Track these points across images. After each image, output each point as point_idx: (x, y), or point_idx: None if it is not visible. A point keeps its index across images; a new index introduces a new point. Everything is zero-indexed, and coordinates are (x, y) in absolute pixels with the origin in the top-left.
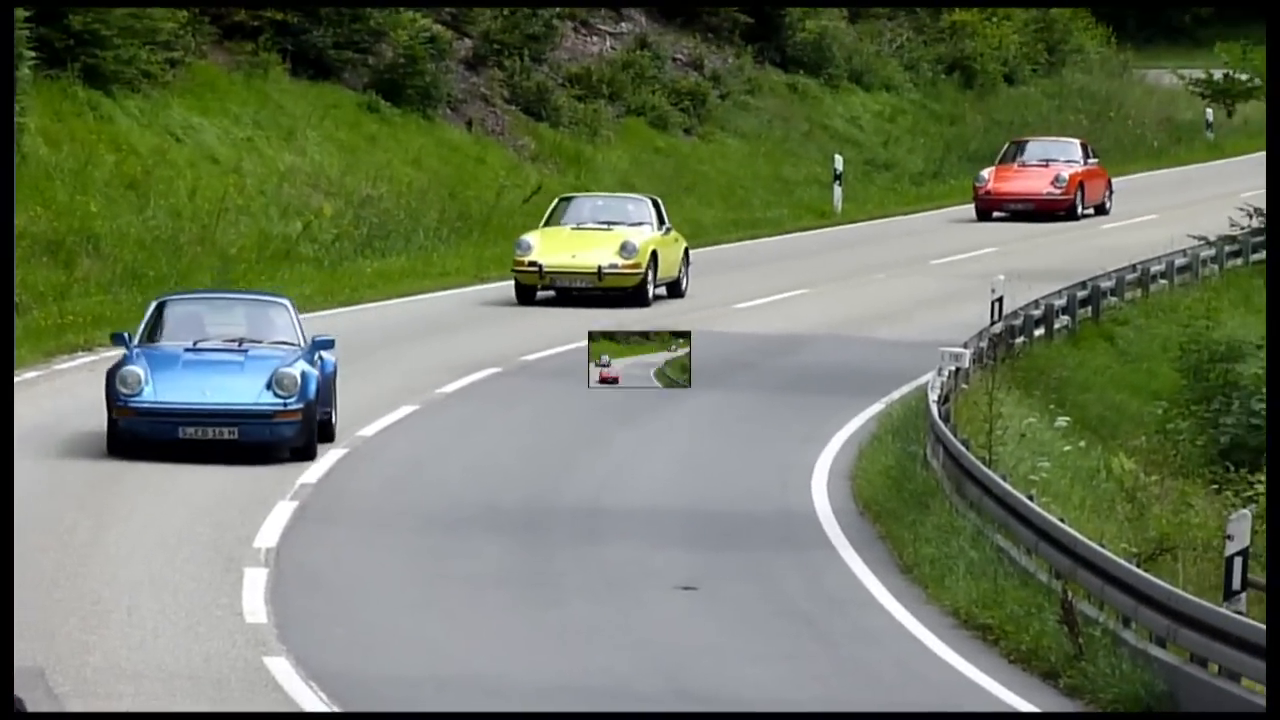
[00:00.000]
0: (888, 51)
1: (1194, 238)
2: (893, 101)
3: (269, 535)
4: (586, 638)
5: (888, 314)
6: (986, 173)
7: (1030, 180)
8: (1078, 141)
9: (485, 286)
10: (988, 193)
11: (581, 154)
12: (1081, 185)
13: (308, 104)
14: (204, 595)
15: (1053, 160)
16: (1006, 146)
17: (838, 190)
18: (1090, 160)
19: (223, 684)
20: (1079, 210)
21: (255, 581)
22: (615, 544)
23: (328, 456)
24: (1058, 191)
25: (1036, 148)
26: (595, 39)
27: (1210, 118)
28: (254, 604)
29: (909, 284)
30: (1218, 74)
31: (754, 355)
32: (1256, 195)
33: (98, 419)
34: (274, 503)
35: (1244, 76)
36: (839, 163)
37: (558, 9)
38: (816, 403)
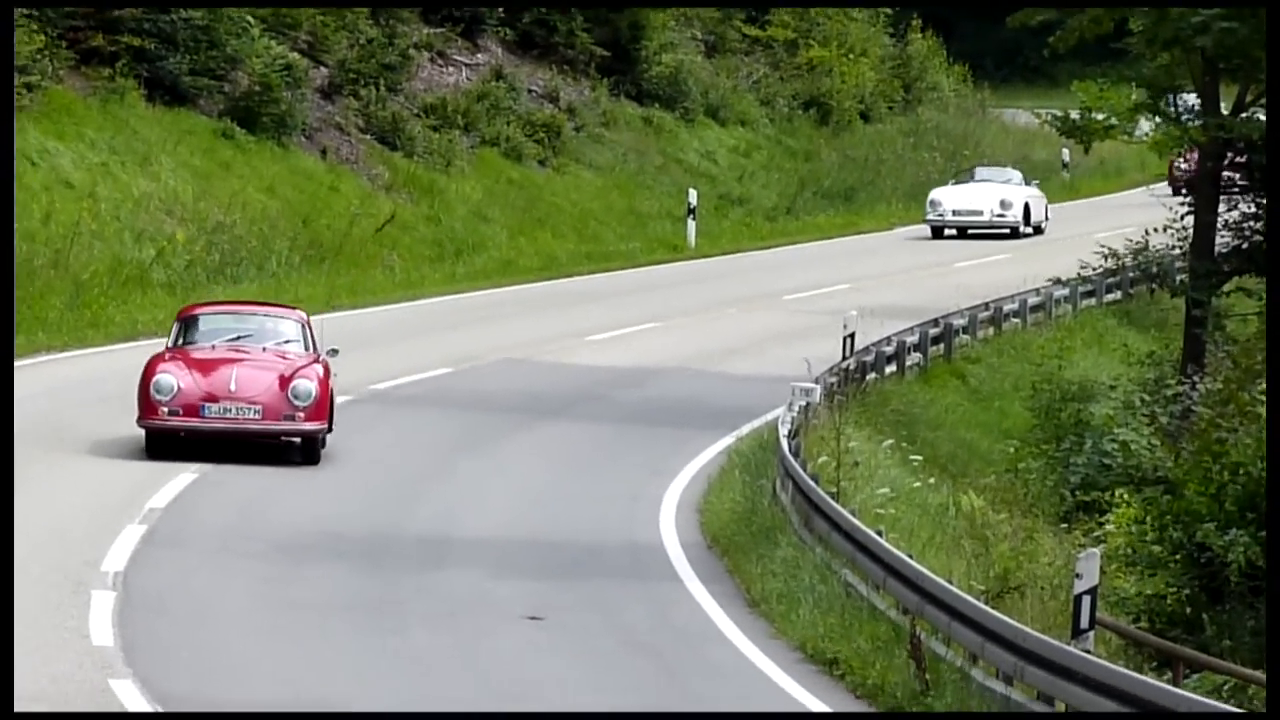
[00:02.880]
0: (744, 87)
1: (1050, 281)
2: (748, 137)
3: (117, 559)
4: (429, 665)
5: (739, 349)
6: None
7: None
8: None
9: (336, 315)
10: None
11: (435, 184)
12: None
13: (163, 130)
14: (51, 617)
15: None
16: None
17: (691, 225)
18: None
19: (69, 705)
20: None
21: (103, 605)
22: (460, 573)
23: (176, 481)
24: None
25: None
26: (451, 69)
27: (1067, 158)
28: (101, 627)
29: (761, 319)
30: (1074, 113)
31: (603, 388)
32: (1111, 235)
33: None
34: (122, 526)
35: (1100, 116)
36: (693, 197)
37: (414, 42)
38: (665, 435)
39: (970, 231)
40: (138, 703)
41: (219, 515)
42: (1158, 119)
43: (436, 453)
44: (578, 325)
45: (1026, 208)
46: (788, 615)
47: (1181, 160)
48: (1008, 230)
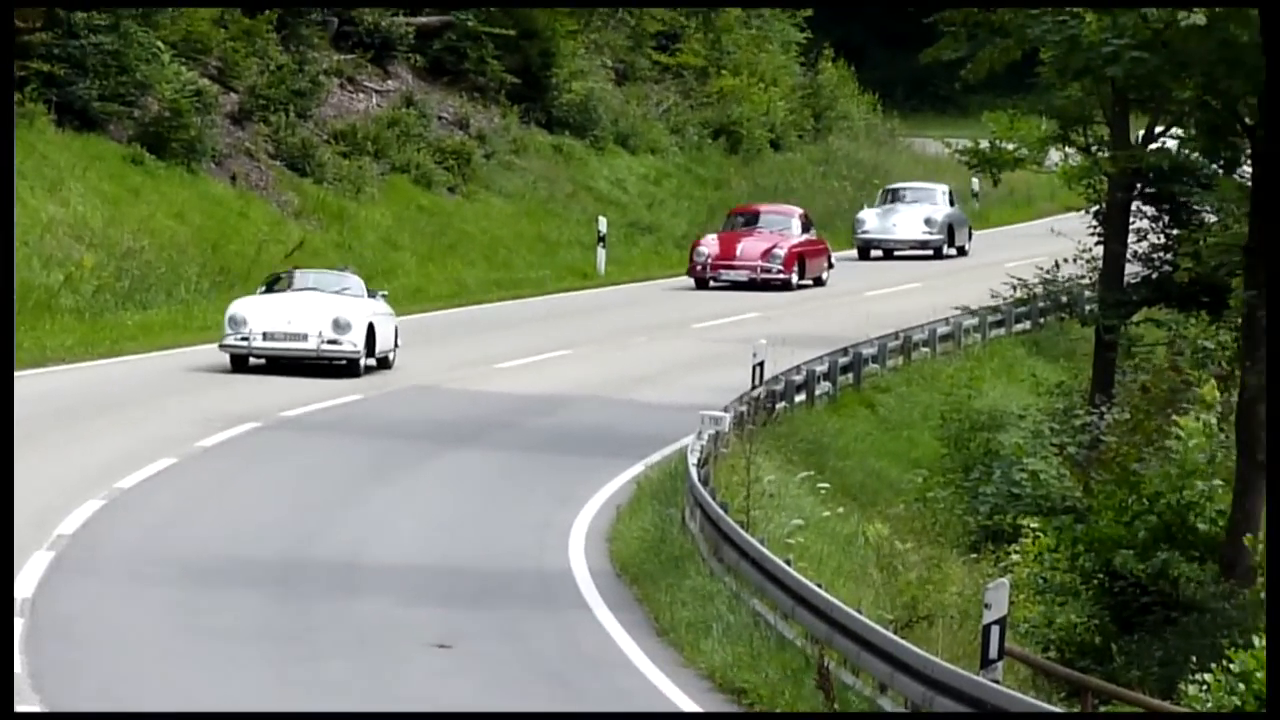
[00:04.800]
0: (654, 115)
1: (957, 309)
2: (658, 165)
3: (25, 585)
4: (339, 693)
5: (649, 376)
6: None
7: None
8: None
9: None
10: None
11: (345, 211)
12: None
13: (72, 155)
14: None
15: None
16: None
17: (601, 252)
18: None
19: None
20: None
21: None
22: (370, 600)
23: (85, 507)
24: None
25: None
26: (361, 96)
27: (976, 188)
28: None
29: (670, 347)
30: (984, 143)
31: (514, 415)
32: (1020, 265)
33: None
34: (30, 552)
35: (1011, 146)
36: (602, 224)
37: (324, 68)
38: (575, 463)
39: (284, 363)
40: None
41: (128, 541)
42: (1067, 149)
43: (347, 480)
44: (487, 352)
45: (370, 332)
46: (696, 644)
47: (702, 245)
48: (344, 363)
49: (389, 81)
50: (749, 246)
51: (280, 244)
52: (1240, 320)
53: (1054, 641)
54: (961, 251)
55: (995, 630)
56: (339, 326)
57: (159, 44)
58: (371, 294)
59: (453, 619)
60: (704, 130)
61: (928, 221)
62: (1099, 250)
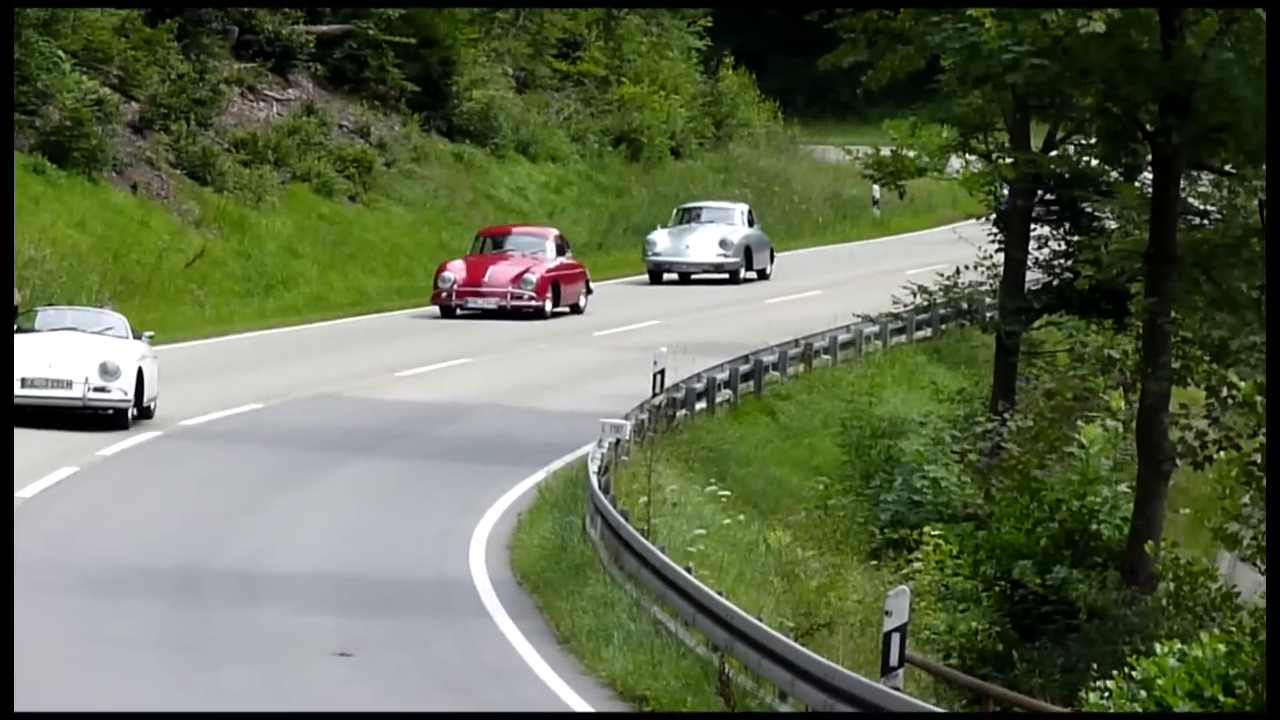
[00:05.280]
0: (555, 123)
1: (857, 316)
2: (559, 173)
3: None
4: (240, 701)
5: (550, 384)
6: None
7: None
8: None
9: None
10: None
11: (246, 219)
12: None
13: None
14: None
15: None
16: None
17: None
18: None
19: None
20: None
21: None
22: (271, 608)
23: None
24: None
25: None
26: (262, 104)
27: (877, 195)
28: None
29: (572, 355)
30: (886, 151)
31: (415, 424)
32: (921, 273)
33: None
34: None
35: (912, 154)
36: None
37: (224, 77)
38: (476, 471)
39: (31, 413)
40: None
41: (29, 550)
42: (968, 156)
43: (248, 488)
44: (389, 361)
45: (139, 378)
46: (597, 652)
47: (448, 270)
48: (111, 413)
49: (290, 90)
50: (498, 272)
51: (181, 253)
52: (1141, 327)
53: (955, 649)
54: (762, 275)
55: (896, 637)
56: (107, 372)
57: (60, 53)
58: (136, 335)
59: (353, 627)
60: (605, 138)
61: (723, 243)
62: (1000, 257)
